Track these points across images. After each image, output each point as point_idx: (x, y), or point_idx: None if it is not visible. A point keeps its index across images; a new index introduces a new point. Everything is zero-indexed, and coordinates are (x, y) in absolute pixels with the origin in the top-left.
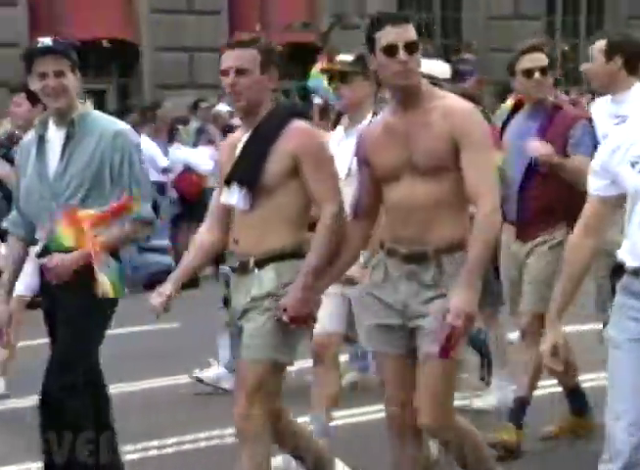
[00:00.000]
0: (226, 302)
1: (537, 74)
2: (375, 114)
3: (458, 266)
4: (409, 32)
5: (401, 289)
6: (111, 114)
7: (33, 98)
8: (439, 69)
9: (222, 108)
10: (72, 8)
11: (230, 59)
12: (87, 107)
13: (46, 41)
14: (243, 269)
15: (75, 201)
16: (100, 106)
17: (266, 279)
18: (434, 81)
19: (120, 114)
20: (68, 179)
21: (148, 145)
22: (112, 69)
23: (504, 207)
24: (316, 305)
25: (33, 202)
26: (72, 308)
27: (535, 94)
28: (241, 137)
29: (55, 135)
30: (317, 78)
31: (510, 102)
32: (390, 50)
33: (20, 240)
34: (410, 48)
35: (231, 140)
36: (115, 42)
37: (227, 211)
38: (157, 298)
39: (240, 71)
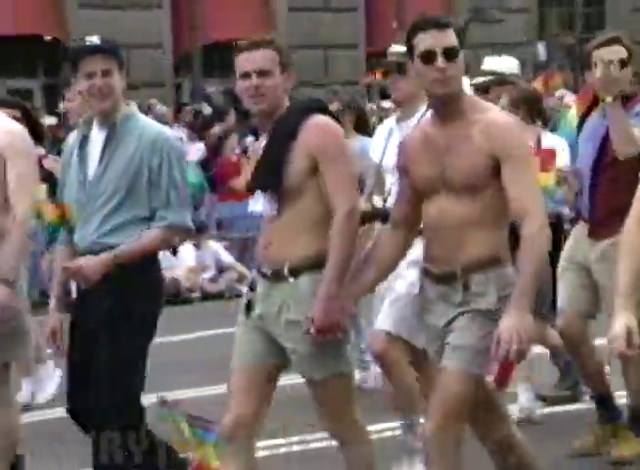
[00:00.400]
0: (249, 306)
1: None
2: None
3: (487, 285)
4: (449, 38)
5: (436, 311)
6: (246, 112)
7: None
8: (507, 65)
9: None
10: (213, 9)
11: (251, 61)
12: (131, 108)
13: (94, 40)
14: (276, 276)
15: (110, 207)
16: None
17: (306, 291)
18: (502, 78)
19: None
20: (106, 183)
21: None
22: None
23: (578, 203)
24: (344, 312)
25: (71, 205)
26: (105, 319)
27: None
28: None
29: (97, 136)
30: None
31: (573, 110)
32: (428, 56)
33: (66, 244)
34: (449, 54)
35: (258, 145)
36: None
37: None
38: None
39: (263, 73)
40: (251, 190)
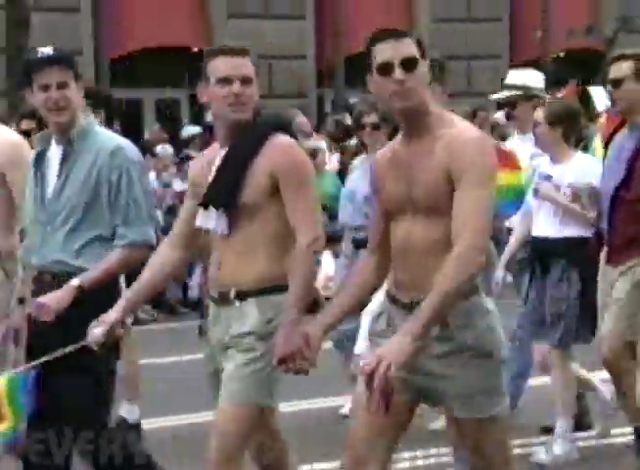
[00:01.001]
0: (201, 331)
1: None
2: None
3: (467, 317)
4: (407, 47)
5: None
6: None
7: (94, 104)
8: (533, 78)
9: (500, 116)
10: (356, 20)
11: (234, 66)
12: (89, 121)
13: (47, 51)
14: (223, 300)
15: (70, 225)
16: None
17: (249, 315)
18: (529, 92)
19: None
20: (64, 201)
21: None
22: None
23: (600, 227)
24: (309, 342)
25: (30, 224)
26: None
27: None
28: (217, 153)
29: (55, 152)
30: None
31: (602, 120)
32: (385, 68)
33: (32, 268)
34: (408, 65)
35: (209, 155)
36: None
37: (191, 226)
38: (97, 327)
39: (247, 81)
40: (204, 206)
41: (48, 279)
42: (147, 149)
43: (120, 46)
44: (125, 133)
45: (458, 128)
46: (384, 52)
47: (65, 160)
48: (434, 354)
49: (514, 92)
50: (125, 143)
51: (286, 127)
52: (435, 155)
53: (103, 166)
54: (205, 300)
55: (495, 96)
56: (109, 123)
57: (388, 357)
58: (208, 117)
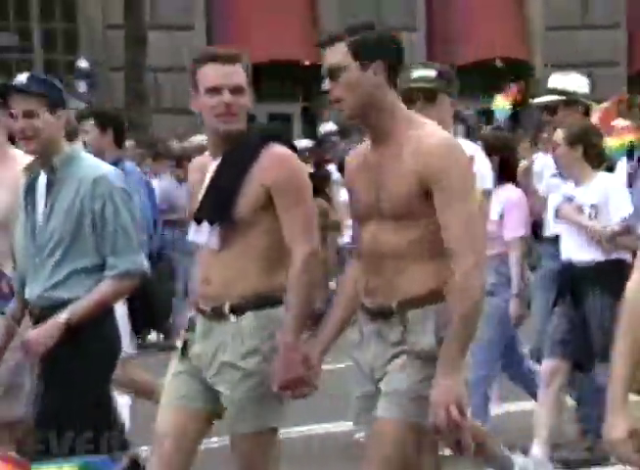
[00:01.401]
0: (185, 348)
1: None
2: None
3: (425, 322)
4: (332, 55)
5: (371, 348)
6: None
7: (102, 123)
8: (576, 83)
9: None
10: (466, 28)
11: (224, 75)
12: (74, 149)
13: (20, 78)
14: (216, 315)
15: (57, 256)
16: (488, 125)
17: (248, 331)
18: (571, 97)
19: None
20: (51, 231)
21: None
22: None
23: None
24: (309, 365)
25: (20, 256)
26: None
27: None
28: (209, 162)
29: (42, 181)
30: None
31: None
32: (321, 80)
33: (18, 300)
34: (331, 74)
35: (201, 163)
36: (509, 61)
37: None
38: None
39: (237, 90)
40: (197, 221)
41: (37, 313)
42: None
43: None
44: None
45: (426, 131)
46: (324, 61)
47: (49, 189)
48: (386, 359)
49: (554, 97)
50: (109, 170)
51: (280, 137)
52: (404, 160)
53: (85, 196)
54: (190, 313)
55: (535, 100)
56: (118, 143)
57: (444, 402)
58: (321, 130)
